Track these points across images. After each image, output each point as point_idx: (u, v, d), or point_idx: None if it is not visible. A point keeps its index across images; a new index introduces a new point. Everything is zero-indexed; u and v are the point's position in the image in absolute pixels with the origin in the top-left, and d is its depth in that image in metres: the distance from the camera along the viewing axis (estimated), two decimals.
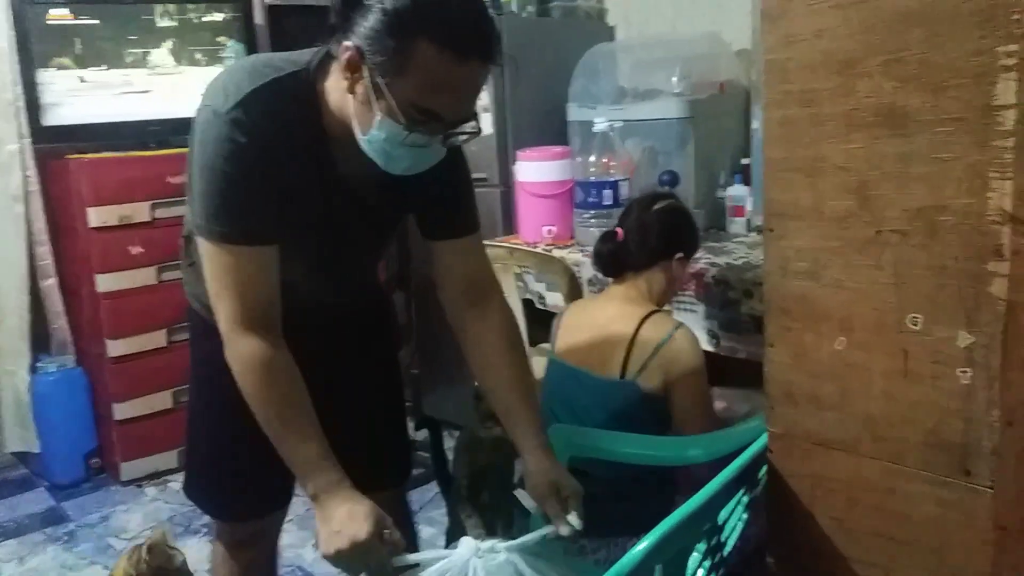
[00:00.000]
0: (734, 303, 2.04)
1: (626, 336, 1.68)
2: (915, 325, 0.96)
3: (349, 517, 1.14)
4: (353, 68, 1.12)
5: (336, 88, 1.20)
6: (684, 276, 1.88)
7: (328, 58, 1.21)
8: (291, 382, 1.21)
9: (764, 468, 1.17)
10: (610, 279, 1.86)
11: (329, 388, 1.45)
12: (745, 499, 1.22)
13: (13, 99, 2.83)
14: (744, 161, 2.63)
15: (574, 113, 2.75)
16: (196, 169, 1.20)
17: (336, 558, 1.14)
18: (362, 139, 1.17)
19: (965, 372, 0.93)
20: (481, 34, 1.10)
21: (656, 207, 1.83)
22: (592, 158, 2.50)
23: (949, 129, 0.90)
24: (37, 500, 2.89)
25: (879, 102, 0.95)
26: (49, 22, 2.82)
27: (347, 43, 1.11)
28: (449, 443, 3.12)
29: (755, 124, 2.66)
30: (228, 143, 1.16)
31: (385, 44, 1.08)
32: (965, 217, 0.91)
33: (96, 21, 2.92)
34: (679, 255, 1.79)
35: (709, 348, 2.07)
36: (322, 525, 1.16)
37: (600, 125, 2.48)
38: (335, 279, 1.44)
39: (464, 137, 1.19)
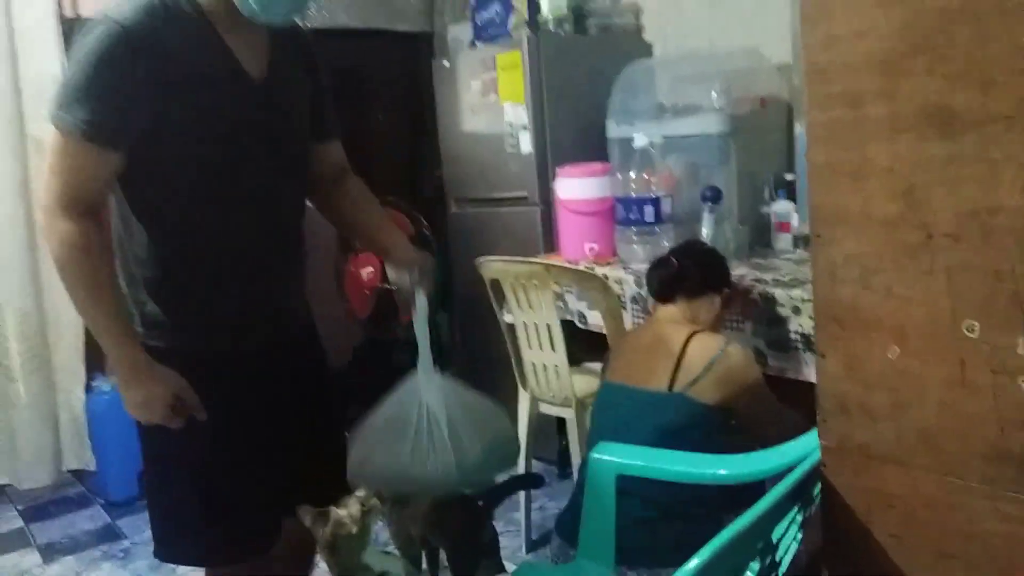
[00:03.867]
0: (782, 320, 2.00)
1: (673, 351, 1.70)
2: (971, 332, 0.92)
3: (152, 385, 1.29)
4: None
5: None
6: (724, 313, 1.98)
7: None
8: (102, 262, 1.29)
9: (818, 485, 1.13)
10: (658, 302, 1.90)
11: (260, 410, 1.44)
12: (799, 517, 1.19)
13: None
14: (788, 176, 2.59)
15: (613, 130, 2.74)
16: (69, 64, 1.27)
17: (140, 416, 1.33)
18: None
19: None
20: None
21: (706, 247, 2.02)
22: (632, 174, 2.49)
23: (999, 128, 0.87)
24: (93, 517, 2.96)
25: (925, 102, 0.92)
26: None
27: None
28: None
29: (798, 129, 2.63)
30: (106, 30, 1.22)
31: None
32: (1020, 218, 0.87)
33: None
34: (727, 290, 1.91)
35: None
36: (123, 391, 1.31)
37: (640, 141, 2.47)
38: (257, 230, 1.42)
39: None
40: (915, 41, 0.92)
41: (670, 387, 1.68)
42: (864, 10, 0.95)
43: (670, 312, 1.85)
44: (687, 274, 1.86)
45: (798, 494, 1.13)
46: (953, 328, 0.94)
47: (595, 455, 1.56)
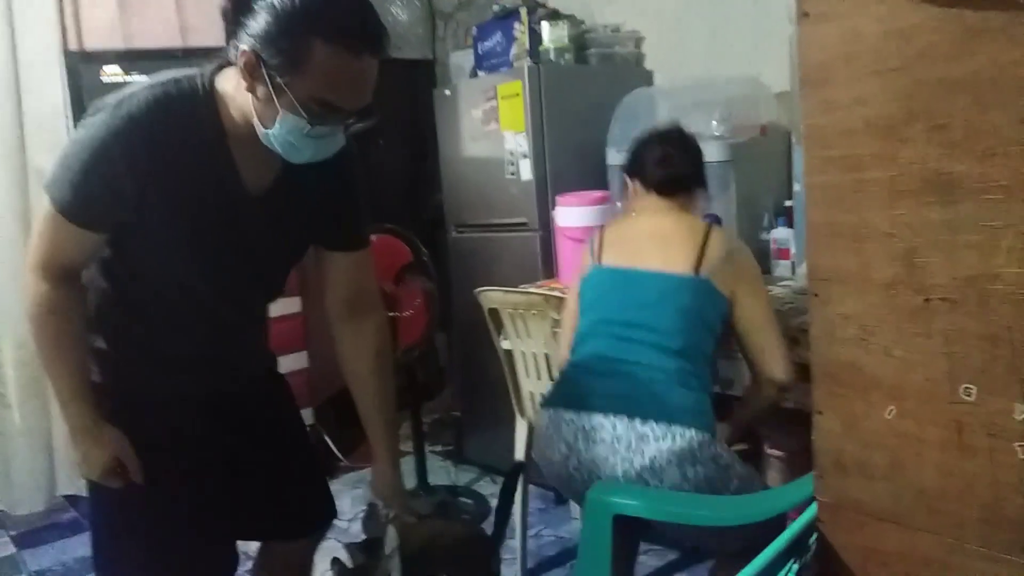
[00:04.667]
0: None
1: (695, 239, 1.78)
2: (968, 396, 0.93)
3: (95, 446, 1.34)
4: (251, 70, 1.17)
5: (236, 88, 1.23)
6: None
7: (225, 63, 1.27)
8: (69, 324, 1.34)
9: (815, 536, 1.14)
10: (658, 195, 1.94)
11: (225, 454, 1.46)
12: (795, 567, 1.19)
13: None
14: (787, 203, 2.61)
15: (613, 157, 2.76)
16: (71, 139, 1.26)
17: (81, 472, 1.38)
18: (265, 132, 1.22)
19: (1023, 446, 0.89)
20: (371, 30, 1.16)
21: (692, 139, 1.99)
22: None
23: (998, 197, 0.88)
24: (86, 544, 2.90)
25: (924, 168, 0.93)
26: (104, 79, 2.93)
27: (243, 47, 1.16)
28: (491, 488, 3.12)
29: (797, 157, 2.64)
30: (109, 121, 1.20)
31: (279, 46, 1.13)
32: (1018, 286, 0.88)
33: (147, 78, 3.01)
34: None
35: None
36: (75, 450, 1.36)
37: None
38: (228, 313, 1.43)
39: (364, 124, 1.24)
40: (914, 109, 0.93)
41: (694, 272, 1.74)
42: (863, 78, 0.96)
43: (673, 205, 1.89)
44: (689, 172, 1.93)
45: (795, 546, 1.13)
46: (950, 391, 0.95)
47: (593, 495, 1.56)
